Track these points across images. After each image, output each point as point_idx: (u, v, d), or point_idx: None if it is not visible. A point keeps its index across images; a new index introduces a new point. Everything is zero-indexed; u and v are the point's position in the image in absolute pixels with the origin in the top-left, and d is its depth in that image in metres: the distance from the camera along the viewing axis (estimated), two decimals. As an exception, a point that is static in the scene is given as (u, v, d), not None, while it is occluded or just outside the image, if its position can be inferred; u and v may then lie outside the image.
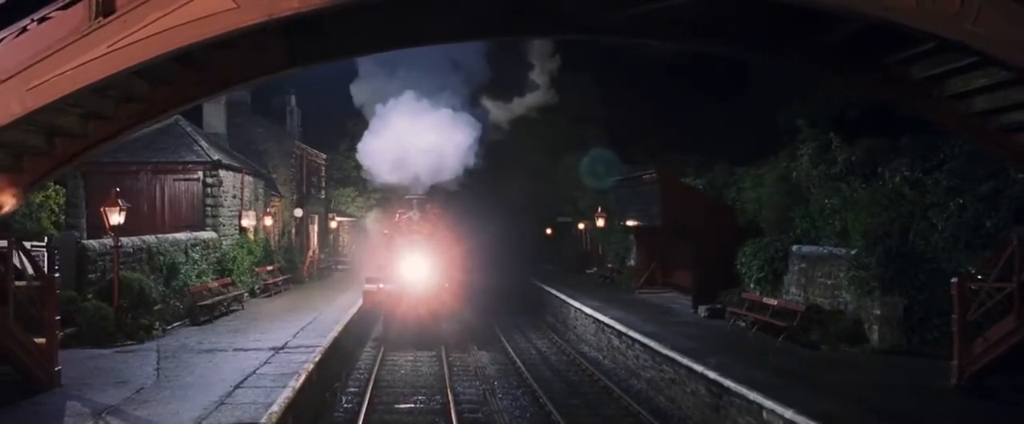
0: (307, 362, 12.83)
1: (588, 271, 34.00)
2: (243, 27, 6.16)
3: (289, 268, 29.30)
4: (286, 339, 15.55)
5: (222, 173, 24.54)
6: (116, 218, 15.62)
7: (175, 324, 17.33)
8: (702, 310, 20.05)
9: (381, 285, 21.07)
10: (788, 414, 10.10)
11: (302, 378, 11.51)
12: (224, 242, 23.90)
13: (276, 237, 31.15)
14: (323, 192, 41.43)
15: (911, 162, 16.28)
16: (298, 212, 34.48)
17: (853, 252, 15.30)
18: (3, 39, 6.52)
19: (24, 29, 6.47)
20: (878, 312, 14.45)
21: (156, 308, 16.81)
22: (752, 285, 18.99)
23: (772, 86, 23.85)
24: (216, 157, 24.38)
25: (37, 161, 7.64)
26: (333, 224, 42.40)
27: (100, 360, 13.17)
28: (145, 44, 5.97)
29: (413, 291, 20.78)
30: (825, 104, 20.25)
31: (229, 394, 10.61)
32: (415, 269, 21.28)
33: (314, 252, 36.03)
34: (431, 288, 21.02)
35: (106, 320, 14.74)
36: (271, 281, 25.95)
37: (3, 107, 6.11)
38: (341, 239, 45.48)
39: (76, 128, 7.53)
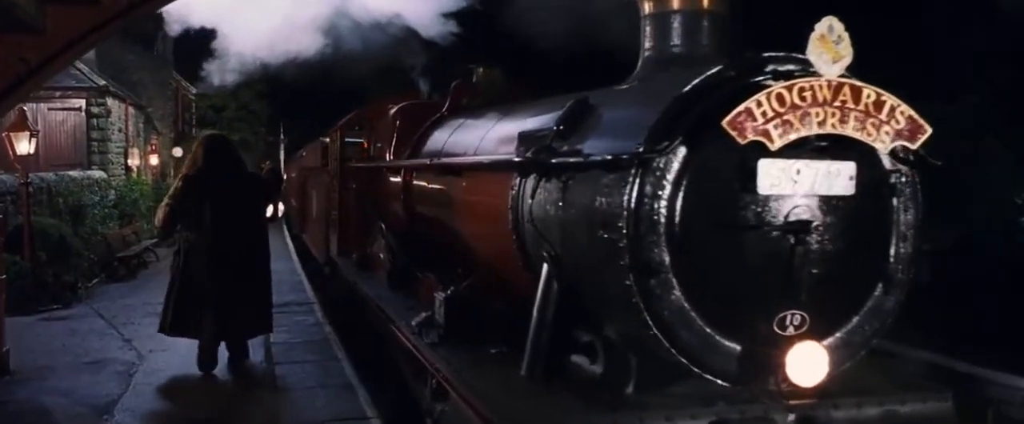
0: (324, 325, 10.22)
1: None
2: None
3: (183, 214, 25.58)
4: (258, 296, 12.66)
5: (110, 101, 20.62)
6: (25, 146, 12.15)
7: (94, 281, 13.95)
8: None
9: None
10: None
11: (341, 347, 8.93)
12: (113, 183, 20.12)
13: (158, 179, 27.19)
14: (194, 130, 37.03)
15: None
16: (177, 151, 30.42)
17: None
18: None
19: None
20: None
21: (75, 262, 13.36)
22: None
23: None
24: (102, 82, 20.39)
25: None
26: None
27: (33, 331, 9.92)
28: None
29: None
30: None
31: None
32: None
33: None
34: None
35: (22, 279, 11.34)
36: (172, 228, 22.29)
37: None
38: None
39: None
